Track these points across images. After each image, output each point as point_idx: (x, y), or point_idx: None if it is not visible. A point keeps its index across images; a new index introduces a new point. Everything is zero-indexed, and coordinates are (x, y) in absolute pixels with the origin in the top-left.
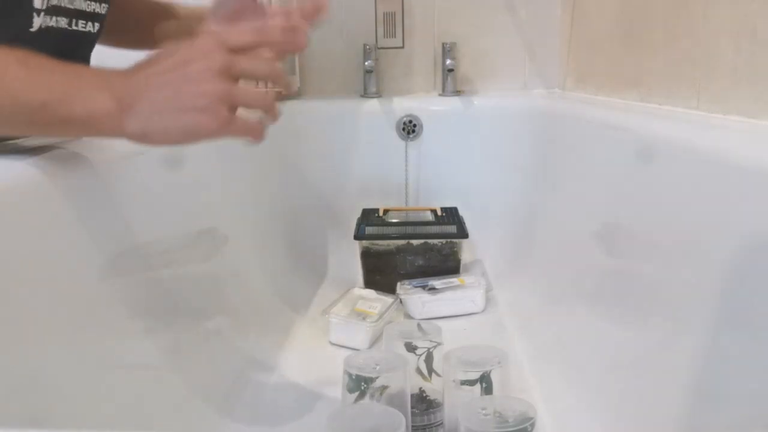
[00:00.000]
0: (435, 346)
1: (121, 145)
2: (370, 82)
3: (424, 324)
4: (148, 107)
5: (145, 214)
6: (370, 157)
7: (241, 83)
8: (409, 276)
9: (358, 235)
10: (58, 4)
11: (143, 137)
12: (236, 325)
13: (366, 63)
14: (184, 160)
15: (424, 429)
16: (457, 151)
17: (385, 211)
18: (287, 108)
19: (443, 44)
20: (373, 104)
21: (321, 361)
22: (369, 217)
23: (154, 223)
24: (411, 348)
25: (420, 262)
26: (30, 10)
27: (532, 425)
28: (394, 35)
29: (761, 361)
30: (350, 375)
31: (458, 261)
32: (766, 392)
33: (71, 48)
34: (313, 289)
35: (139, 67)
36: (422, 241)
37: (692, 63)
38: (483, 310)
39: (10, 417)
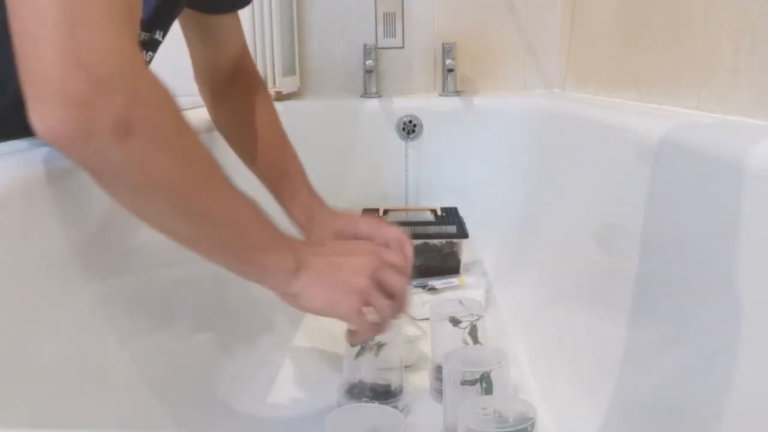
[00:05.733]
0: (477, 319)
1: None
2: (370, 82)
3: (465, 301)
4: (316, 276)
5: None
6: (370, 157)
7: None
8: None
9: None
10: None
11: (295, 298)
12: (236, 325)
13: (366, 63)
14: None
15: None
16: (457, 151)
17: (385, 211)
18: (287, 108)
19: (443, 44)
20: (373, 104)
21: (321, 361)
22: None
23: None
24: (455, 322)
25: (420, 262)
26: None
27: (532, 425)
28: (394, 35)
29: (762, 361)
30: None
31: (458, 261)
32: (767, 392)
33: None
34: None
35: (312, 245)
36: (422, 241)
37: (692, 63)
38: (483, 310)
39: (10, 417)
